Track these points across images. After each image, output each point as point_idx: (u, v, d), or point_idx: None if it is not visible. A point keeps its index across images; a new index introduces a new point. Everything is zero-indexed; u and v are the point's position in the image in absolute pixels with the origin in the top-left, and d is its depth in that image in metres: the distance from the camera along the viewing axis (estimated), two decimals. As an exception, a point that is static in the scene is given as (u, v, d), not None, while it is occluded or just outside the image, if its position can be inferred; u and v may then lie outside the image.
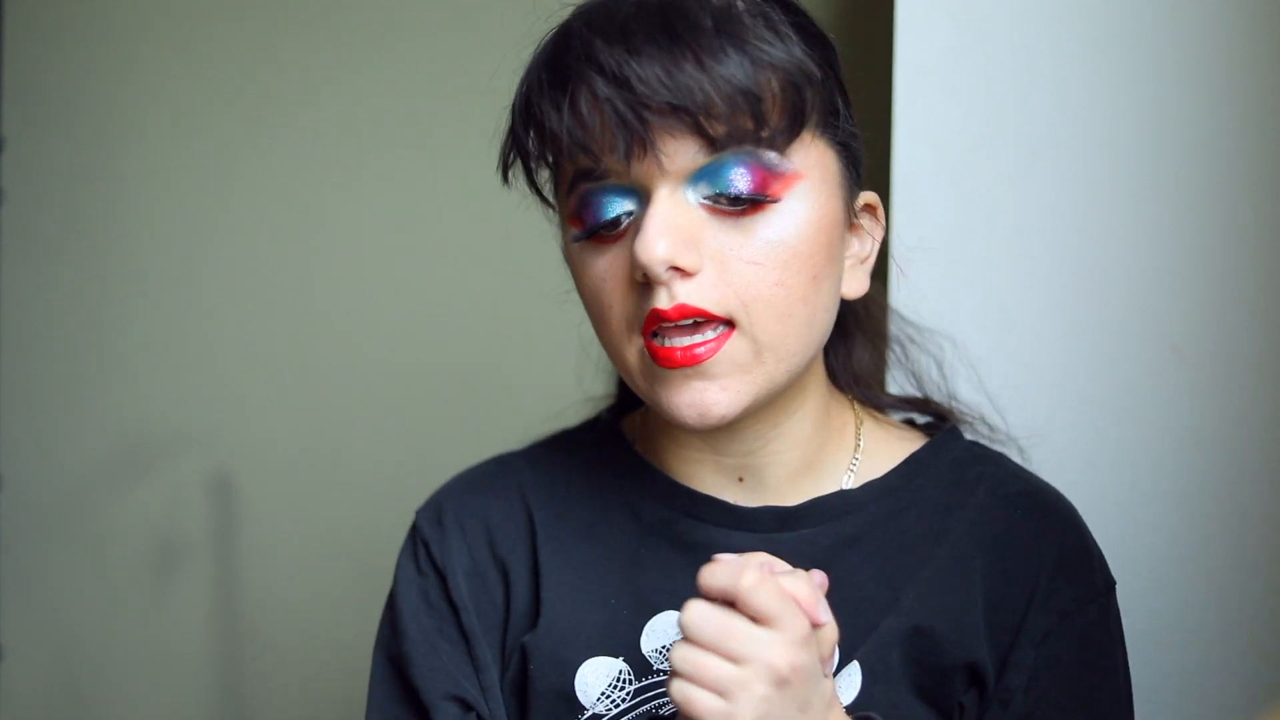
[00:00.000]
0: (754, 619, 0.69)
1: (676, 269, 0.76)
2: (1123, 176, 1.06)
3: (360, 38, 1.67)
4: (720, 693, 0.68)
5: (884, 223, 0.89)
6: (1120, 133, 1.06)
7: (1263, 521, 1.02)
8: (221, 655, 1.71)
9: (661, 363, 0.78)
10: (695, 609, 0.70)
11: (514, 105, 0.83)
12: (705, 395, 0.78)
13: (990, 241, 1.10)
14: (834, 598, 0.82)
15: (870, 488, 0.89)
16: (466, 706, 0.87)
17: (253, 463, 1.71)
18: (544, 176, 0.86)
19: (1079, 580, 0.86)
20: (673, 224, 0.76)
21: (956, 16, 1.10)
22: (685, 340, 0.78)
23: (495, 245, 1.58)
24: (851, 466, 0.90)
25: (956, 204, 1.11)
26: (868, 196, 0.87)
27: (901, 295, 1.07)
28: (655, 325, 0.78)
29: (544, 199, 0.88)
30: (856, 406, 0.94)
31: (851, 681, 0.82)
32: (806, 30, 0.81)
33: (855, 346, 0.97)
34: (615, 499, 0.91)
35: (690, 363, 0.77)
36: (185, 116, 1.69)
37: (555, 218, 0.88)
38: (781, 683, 0.69)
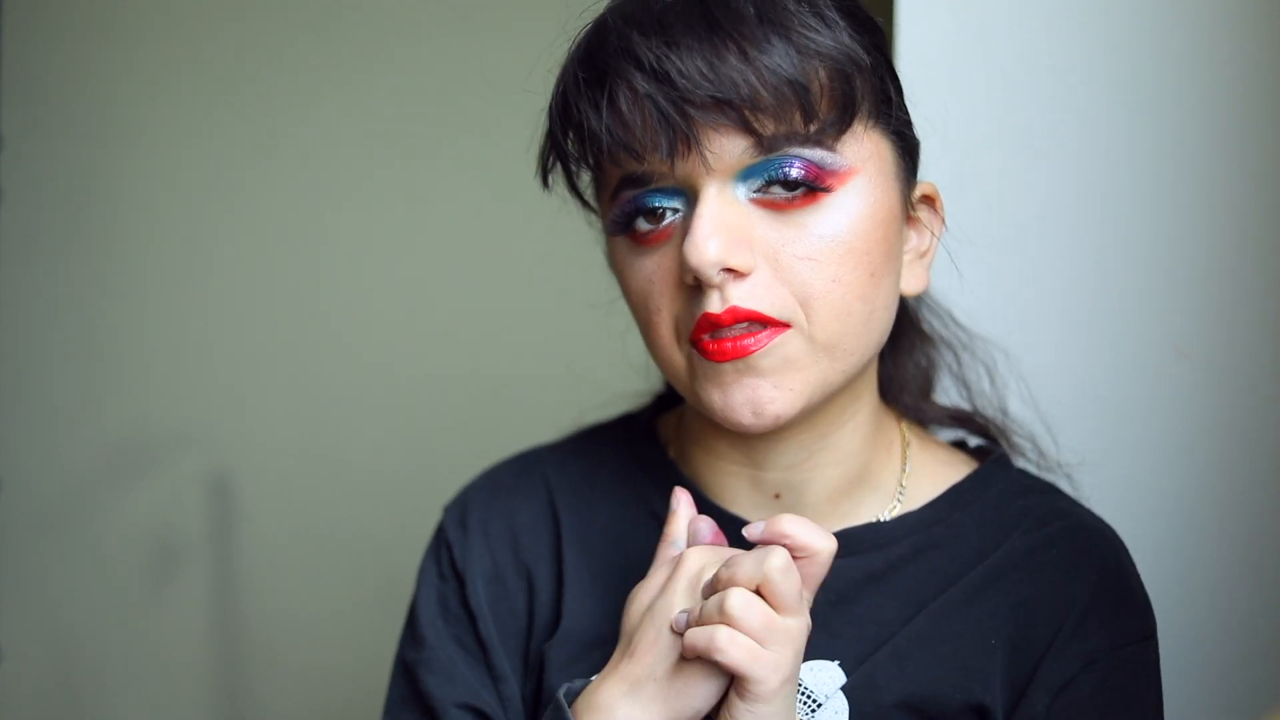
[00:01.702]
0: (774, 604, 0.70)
1: (729, 270, 0.73)
2: (1124, 176, 1.06)
3: (362, 39, 1.67)
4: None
5: (943, 215, 0.85)
6: (1124, 130, 1.06)
7: (1265, 522, 1.02)
8: (219, 654, 1.71)
9: (712, 356, 0.74)
10: (740, 597, 0.69)
11: (551, 106, 0.78)
12: (759, 392, 0.74)
13: (992, 240, 1.10)
14: (853, 632, 0.81)
15: (905, 522, 0.84)
16: (481, 715, 0.84)
17: (251, 463, 1.71)
18: (585, 179, 0.83)
19: (1113, 624, 0.80)
20: (723, 223, 0.73)
21: (957, 13, 1.09)
22: (736, 333, 0.74)
23: (496, 247, 1.58)
24: (899, 495, 0.86)
25: (957, 202, 1.10)
26: (925, 187, 0.84)
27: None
28: (708, 330, 0.74)
29: (585, 203, 0.84)
30: (904, 425, 0.89)
31: (837, 705, 0.78)
32: (854, 15, 0.77)
33: (903, 351, 0.93)
34: (643, 507, 0.88)
35: (740, 354, 0.73)
36: (185, 116, 1.69)
37: (596, 223, 0.84)
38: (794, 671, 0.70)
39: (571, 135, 0.77)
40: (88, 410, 1.74)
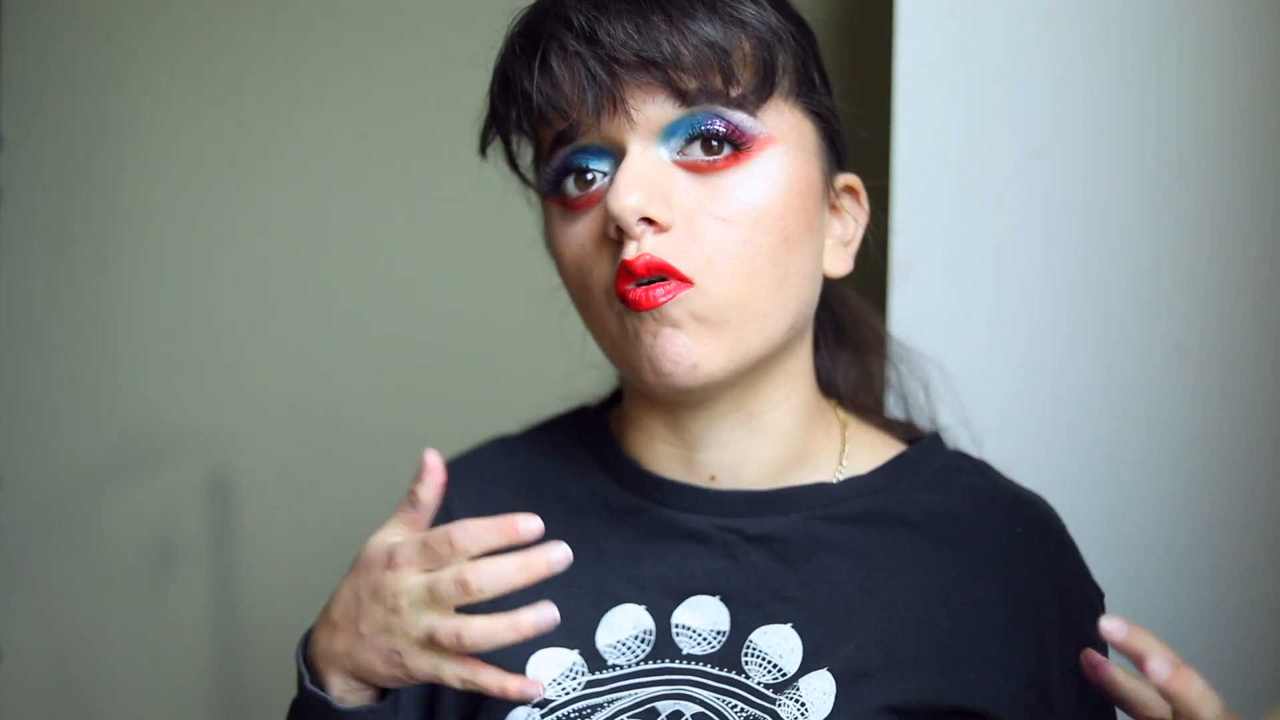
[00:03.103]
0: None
1: (648, 220, 0.77)
2: (1124, 175, 1.06)
3: (360, 37, 1.67)
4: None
5: (867, 208, 0.89)
6: (1122, 131, 1.06)
7: (1265, 522, 1.02)
8: (220, 655, 1.71)
9: (632, 304, 0.77)
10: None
11: (492, 76, 0.84)
12: (677, 343, 0.78)
13: (992, 240, 1.10)
14: (804, 594, 0.82)
15: (853, 485, 0.87)
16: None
17: (251, 463, 1.71)
18: (526, 157, 0.87)
19: (1091, 593, 0.86)
20: (645, 176, 0.77)
21: (957, 15, 1.09)
22: (651, 284, 0.77)
23: (496, 246, 1.58)
24: (840, 469, 0.88)
25: (957, 202, 1.11)
26: (848, 178, 0.87)
27: (902, 294, 1.07)
28: (628, 281, 0.77)
29: (524, 178, 0.89)
30: (840, 411, 0.92)
31: (824, 689, 0.79)
32: (783, 7, 0.82)
33: (844, 360, 0.96)
34: (589, 485, 0.90)
35: (652, 305, 0.77)
36: (184, 116, 1.69)
37: (537, 205, 0.88)
38: None
39: (508, 100, 0.82)
40: (88, 409, 1.74)
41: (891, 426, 0.95)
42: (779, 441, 0.86)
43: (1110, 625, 0.68)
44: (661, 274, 0.77)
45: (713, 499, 0.86)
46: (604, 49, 0.76)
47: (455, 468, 0.96)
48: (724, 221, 0.77)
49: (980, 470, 0.91)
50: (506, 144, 0.86)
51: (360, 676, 0.78)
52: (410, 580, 0.74)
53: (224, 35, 1.68)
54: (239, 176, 1.69)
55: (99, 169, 1.71)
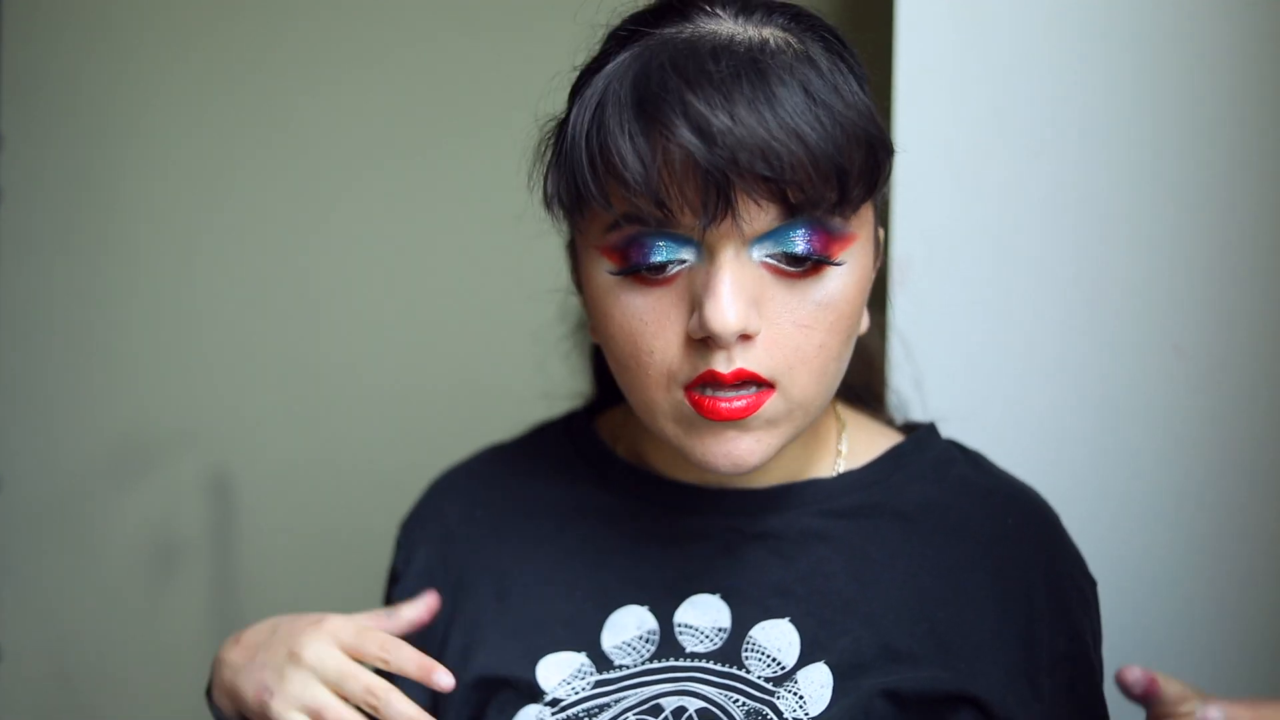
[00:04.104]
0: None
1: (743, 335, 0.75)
2: (1124, 176, 1.06)
3: (360, 37, 1.66)
4: None
5: (881, 252, 0.87)
6: (1121, 132, 1.06)
7: (1264, 522, 1.02)
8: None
9: (706, 414, 0.76)
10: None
11: (574, 134, 0.76)
12: (739, 445, 0.77)
13: (991, 241, 1.10)
14: (802, 588, 0.83)
15: (846, 479, 0.88)
16: None
17: (250, 463, 1.71)
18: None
19: (1083, 582, 0.87)
20: (742, 288, 0.74)
21: (957, 16, 1.09)
22: (729, 393, 0.76)
23: (496, 247, 1.58)
24: (838, 463, 0.89)
25: (957, 204, 1.11)
26: (879, 233, 0.86)
27: (903, 294, 1.07)
28: (708, 384, 0.76)
29: (559, 215, 0.83)
30: (839, 408, 0.93)
31: (822, 682, 0.80)
32: (862, 73, 0.80)
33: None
34: (585, 492, 0.91)
35: (735, 416, 0.76)
36: (184, 116, 1.69)
37: (562, 226, 0.84)
38: None
39: (597, 171, 0.75)
40: (87, 409, 1.74)
41: (888, 419, 0.97)
42: (787, 462, 0.87)
43: (1131, 676, 0.71)
44: (747, 381, 0.76)
45: (712, 499, 0.87)
46: (735, 163, 0.71)
47: (450, 480, 0.98)
48: (805, 328, 0.77)
49: (973, 461, 0.92)
50: (574, 194, 0.78)
51: (231, 695, 0.84)
52: (325, 649, 0.80)
53: (224, 35, 1.68)
54: (239, 176, 1.69)
55: (99, 169, 1.71)
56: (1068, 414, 1.08)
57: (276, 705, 0.80)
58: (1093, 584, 0.88)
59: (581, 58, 0.82)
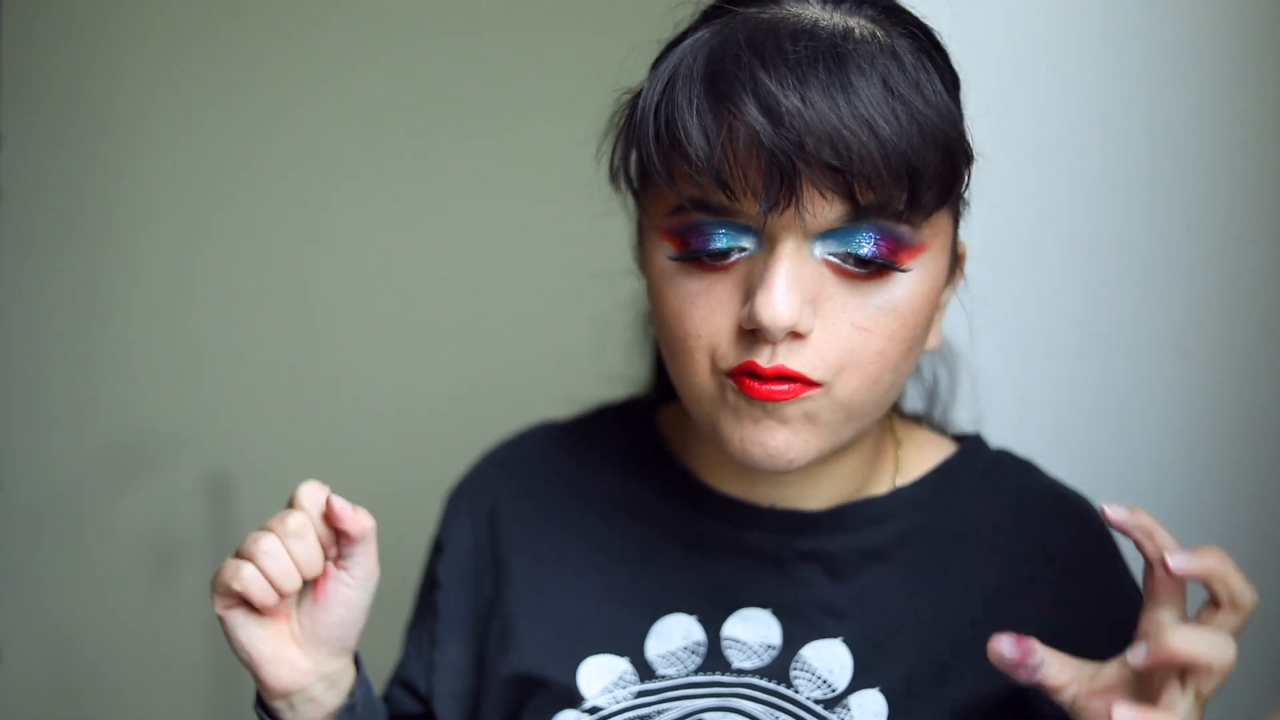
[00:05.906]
0: None
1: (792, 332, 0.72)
2: (1125, 175, 1.06)
3: (358, 37, 1.67)
4: None
5: (965, 270, 0.84)
6: (1122, 131, 1.06)
7: (1267, 521, 1.02)
8: (217, 655, 1.70)
9: (744, 389, 0.73)
10: None
11: (644, 107, 0.74)
12: (776, 436, 0.74)
13: (992, 240, 1.10)
14: (854, 609, 0.81)
15: (899, 497, 0.85)
16: (412, 691, 0.89)
17: (249, 464, 1.71)
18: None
19: (1133, 592, 0.84)
20: (798, 283, 0.71)
21: (957, 15, 1.09)
22: (769, 384, 0.73)
23: (496, 246, 1.58)
24: (890, 483, 0.87)
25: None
26: (959, 247, 0.83)
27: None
28: (747, 373, 0.73)
29: (624, 191, 0.81)
30: (895, 424, 0.90)
31: (876, 710, 0.78)
32: (952, 77, 0.77)
33: None
34: (635, 490, 0.88)
35: (769, 398, 0.72)
36: (183, 116, 1.69)
37: (628, 204, 0.82)
38: None
39: (663, 151, 0.73)
40: (86, 410, 1.74)
41: (938, 428, 0.94)
42: (845, 479, 0.84)
43: (1114, 512, 0.68)
44: (788, 378, 0.73)
45: (765, 517, 0.84)
46: (802, 149, 0.68)
47: (504, 455, 0.95)
48: (864, 331, 0.73)
49: (1024, 472, 0.89)
50: (643, 173, 0.77)
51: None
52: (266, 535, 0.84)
53: (224, 35, 1.68)
54: (238, 176, 1.69)
55: (98, 169, 1.71)
56: (1068, 413, 1.08)
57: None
58: (1139, 593, 0.86)
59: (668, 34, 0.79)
